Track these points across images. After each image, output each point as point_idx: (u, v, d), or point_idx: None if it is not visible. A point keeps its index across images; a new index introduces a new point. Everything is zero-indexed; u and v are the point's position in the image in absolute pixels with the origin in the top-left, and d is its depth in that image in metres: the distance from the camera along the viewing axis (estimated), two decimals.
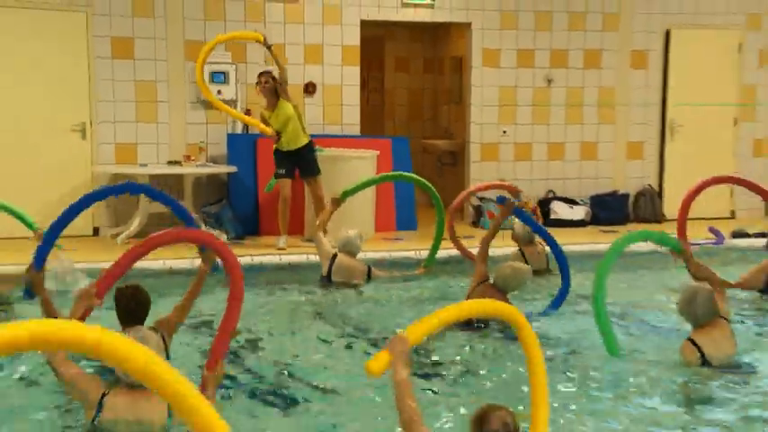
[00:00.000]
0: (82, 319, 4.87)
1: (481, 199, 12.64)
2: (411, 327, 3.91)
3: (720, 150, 13.86)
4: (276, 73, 10.75)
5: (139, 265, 6.06)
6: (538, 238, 9.30)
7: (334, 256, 8.94)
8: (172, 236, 5.87)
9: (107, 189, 8.60)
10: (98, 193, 7.61)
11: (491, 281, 7.37)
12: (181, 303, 6.38)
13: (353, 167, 11.16)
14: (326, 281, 8.78)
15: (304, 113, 10.96)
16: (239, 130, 11.94)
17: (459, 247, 9.44)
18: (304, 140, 10.69)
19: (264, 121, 10.79)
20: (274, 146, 10.91)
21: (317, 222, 9.42)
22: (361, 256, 9.16)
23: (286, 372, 6.43)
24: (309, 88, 11.64)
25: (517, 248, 9.20)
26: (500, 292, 7.19)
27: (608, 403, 5.87)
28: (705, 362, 6.18)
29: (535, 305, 8.08)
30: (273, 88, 10.70)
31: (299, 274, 9.19)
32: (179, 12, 11.57)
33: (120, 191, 8.56)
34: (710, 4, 13.61)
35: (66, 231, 9.64)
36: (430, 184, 9.78)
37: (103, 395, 4.69)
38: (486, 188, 11.09)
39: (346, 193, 9.21)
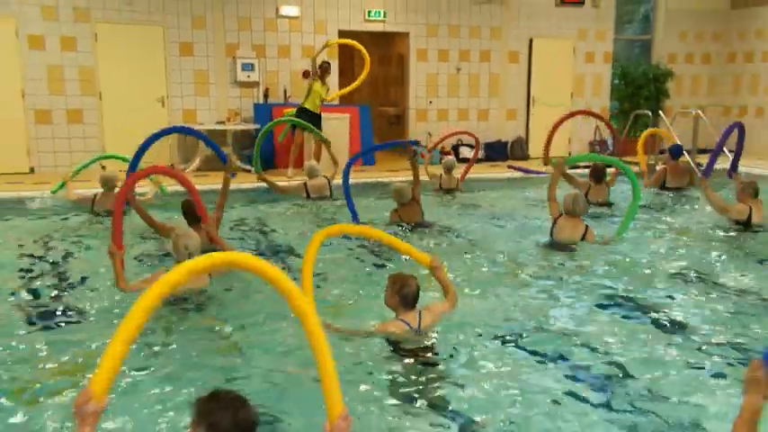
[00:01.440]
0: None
1: (417, 144, 12.47)
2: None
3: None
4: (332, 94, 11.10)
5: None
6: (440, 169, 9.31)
7: (305, 183, 8.66)
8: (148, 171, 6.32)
9: (164, 130, 7.82)
10: (158, 134, 7.05)
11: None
12: (218, 202, 6.25)
13: (334, 124, 11.26)
14: (308, 198, 8.56)
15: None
16: (261, 101, 11.80)
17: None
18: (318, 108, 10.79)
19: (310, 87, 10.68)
20: (303, 105, 10.66)
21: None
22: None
23: (284, 246, 6.53)
24: (305, 74, 11.46)
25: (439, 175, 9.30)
26: (416, 203, 7.15)
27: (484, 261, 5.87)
28: (552, 234, 6.28)
29: (450, 213, 8.09)
30: (327, 73, 10.91)
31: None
32: (221, 25, 11.57)
33: (169, 132, 8.41)
34: (557, 23, 13.74)
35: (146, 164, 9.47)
36: (313, 126, 9.79)
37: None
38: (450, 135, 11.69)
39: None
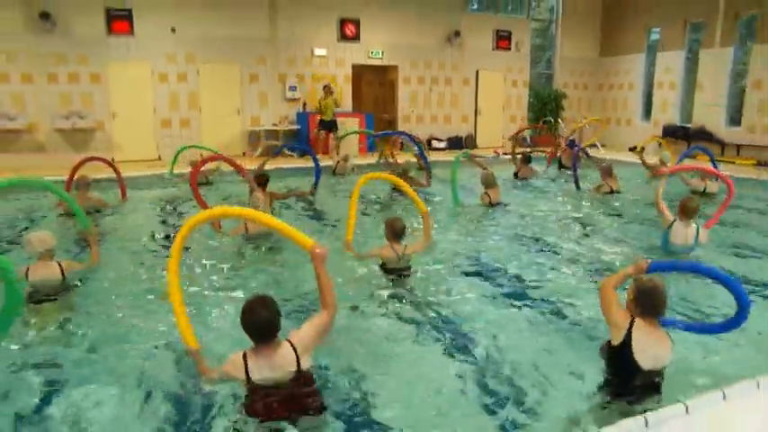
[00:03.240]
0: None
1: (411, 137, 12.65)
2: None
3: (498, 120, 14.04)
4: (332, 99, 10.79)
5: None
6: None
7: (338, 162, 8.57)
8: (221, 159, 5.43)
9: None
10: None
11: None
12: (291, 192, 5.99)
13: (348, 125, 11.06)
14: (333, 174, 8.45)
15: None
16: (301, 110, 11.61)
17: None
18: (332, 116, 10.84)
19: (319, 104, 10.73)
20: (320, 117, 10.80)
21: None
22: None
23: (318, 206, 6.37)
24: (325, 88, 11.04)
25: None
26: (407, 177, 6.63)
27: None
28: (491, 202, 5.97)
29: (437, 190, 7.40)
30: (330, 93, 10.79)
31: (326, 171, 8.35)
32: (276, 62, 11.39)
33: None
34: (493, 61, 13.46)
35: (229, 152, 9.03)
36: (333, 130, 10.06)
37: (247, 227, 4.36)
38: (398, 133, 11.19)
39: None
